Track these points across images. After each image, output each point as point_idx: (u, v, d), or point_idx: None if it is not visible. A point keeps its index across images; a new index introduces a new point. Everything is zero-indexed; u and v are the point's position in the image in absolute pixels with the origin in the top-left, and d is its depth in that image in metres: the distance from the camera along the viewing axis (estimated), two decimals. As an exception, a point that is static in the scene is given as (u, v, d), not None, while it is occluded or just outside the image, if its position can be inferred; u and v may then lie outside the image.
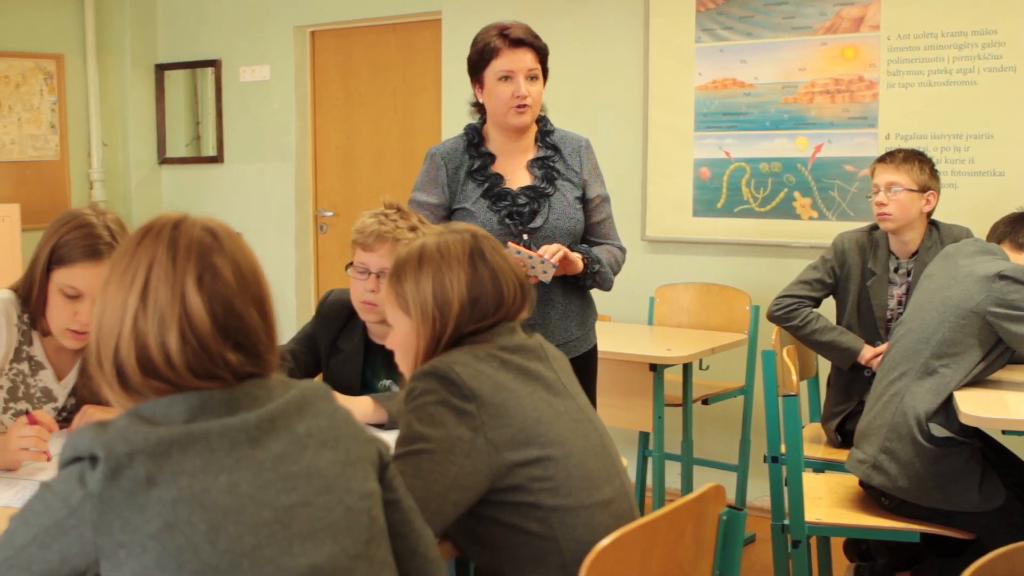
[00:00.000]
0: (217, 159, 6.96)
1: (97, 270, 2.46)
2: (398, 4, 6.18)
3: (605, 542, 1.79)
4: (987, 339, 3.13)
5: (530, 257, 3.01)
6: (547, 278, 3.05)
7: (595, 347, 3.45)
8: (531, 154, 3.31)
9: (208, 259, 1.53)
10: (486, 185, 3.25)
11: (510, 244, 3.03)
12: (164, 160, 7.17)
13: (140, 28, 7.03)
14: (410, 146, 6.26)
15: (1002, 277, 3.10)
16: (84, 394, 2.71)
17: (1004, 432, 3.06)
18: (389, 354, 2.28)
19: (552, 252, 3.06)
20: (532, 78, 3.22)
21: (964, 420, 2.90)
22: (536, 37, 3.25)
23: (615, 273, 3.36)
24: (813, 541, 3.70)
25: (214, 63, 6.90)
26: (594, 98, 5.43)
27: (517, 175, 3.28)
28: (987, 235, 3.57)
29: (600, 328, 3.50)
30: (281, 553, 1.45)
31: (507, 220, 3.21)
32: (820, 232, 4.84)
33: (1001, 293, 3.08)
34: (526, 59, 3.21)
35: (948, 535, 3.18)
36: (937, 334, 3.18)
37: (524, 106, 3.20)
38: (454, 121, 5.57)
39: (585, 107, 5.38)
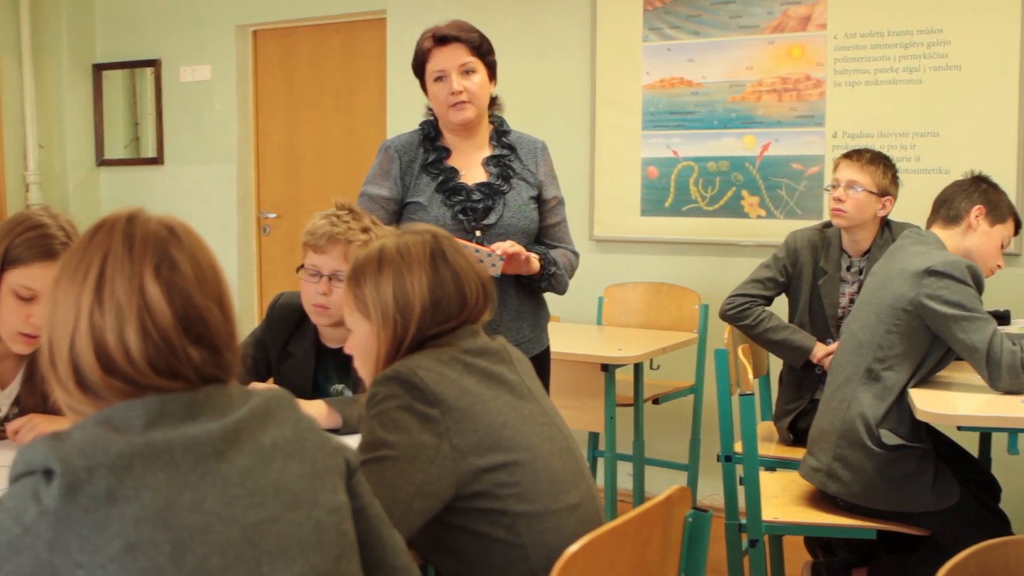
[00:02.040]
0: (157, 160, 6.85)
1: (53, 270, 2.41)
2: (342, 3, 6.12)
3: (574, 548, 1.76)
4: (925, 337, 3.12)
5: (477, 251, 2.98)
6: (496, 272, 3.02)
7: (548, 348, 3.42)
8: (486, 152, 3.28)
9: (166, 251, 1.47)
10: (440, 179, 3.21)
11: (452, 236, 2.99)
12: (102, 162, 7.04)
13: (77, 28, 6.89)
14: (354, 146, 6.20)
15: (931, 273, 3.08)
16: (28, 403, 2.63)
17: (959, 428, 3.06)
18: (341, 358, 2.24)
19: (505, 247, 3.03)
20: (467, 72, 3.19)
21: (920, 417, 2.90)
22: (469, 31, 3.22)
23: (570, 277, 3.34)
24: (766, 540, 3.70)
25: (153, 63, 6.79)
26: (541, 97, 5.41)
27: (472, 172, 3.25)
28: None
29: (550, 328, 3.48)
30: (249, 573, 1.39)
31: (460, 216, 3.17)
32: (768, 231, 4.85)
33: (932, 289, 3.07)
34: (457, 55, 3.18)
35: (904, 532, 3.19)
36: (876, 336, 3.17)
37: (461, 102, 3.17)
38: (399, 121, 5.53)
39: (533, 107, 5.35)
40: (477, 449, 1.93)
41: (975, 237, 3.29)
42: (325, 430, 2.21)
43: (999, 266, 3.37)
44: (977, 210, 3.29)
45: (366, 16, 6.09)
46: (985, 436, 3.98)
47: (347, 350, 2.16)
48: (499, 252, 3.00)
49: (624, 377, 4.39)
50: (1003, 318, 3.88)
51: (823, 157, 4.73)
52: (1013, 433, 2.88)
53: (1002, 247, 3.36)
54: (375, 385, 1.97)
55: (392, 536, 1.67)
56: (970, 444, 3.79)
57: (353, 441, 1.96)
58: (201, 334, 1.46)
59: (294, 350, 2.96)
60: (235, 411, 1.46)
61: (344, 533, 1.53)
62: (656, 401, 4.65)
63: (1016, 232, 3.42)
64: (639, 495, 4.50)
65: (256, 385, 2.55)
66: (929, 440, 3.18)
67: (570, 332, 4.67)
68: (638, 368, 4.37)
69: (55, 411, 2.38)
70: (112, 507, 1.32)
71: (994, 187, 3.36)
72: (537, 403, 2.11)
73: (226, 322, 1.51)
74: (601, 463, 4.81)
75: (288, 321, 2.98)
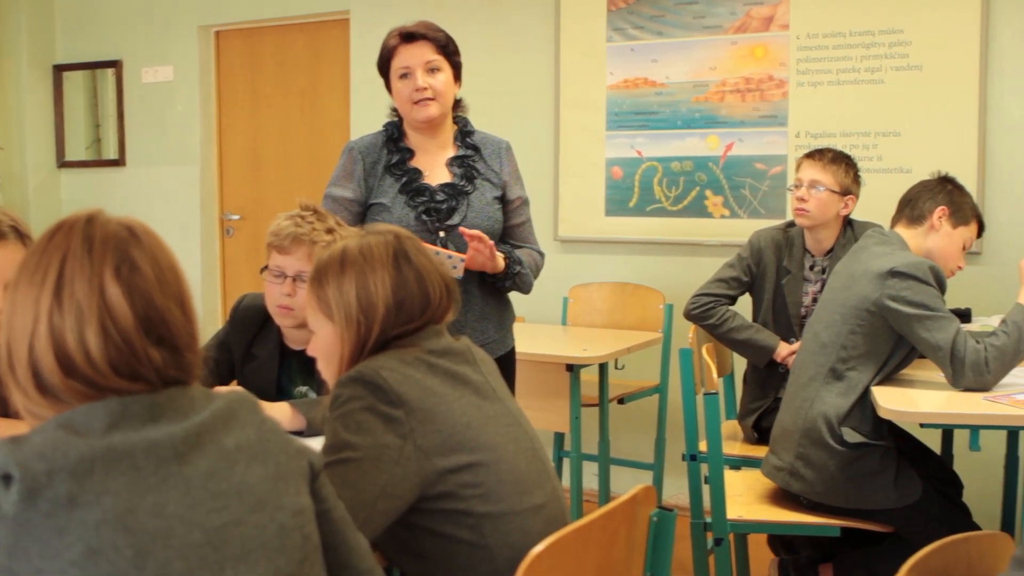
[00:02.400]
0: (119, 162, 6.80)
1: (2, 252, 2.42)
2: (305, 3, 6.10)
3: (539, 548, 1.75)
4: (889, 337, 3.15)
5: (437, 254, 2.98)
6: (458, 273, 3.02)
7: (513, 349, 3.42)
8: (450, 152, 3.28)
9: (126, 251, 1.46)
10: (404, 180, 3.21)
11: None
12: (63, 164, 6.98)
13: (37, 28, 6.83)
14: (318, 147, 6.18)
15: (895, 274, 3.10)
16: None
17: (922, 426, 3.09)
18: (305, 360, 2.23)
19: (475, 235, 3.02)
20: (432, 70, 3.19)
21: (883, 415, 2.92)
22: (434, 29, 3.24)
23: (535, 277, 3.34)
24: (731, 538, 3.71)
25: (115, 64, 6.73)
26: (506, 98, 5.40)
27: (436, 172, 3.25)
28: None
29: (515, 329, 3.48)
30: None
31: (424, 216, 3.17)
32: (732, 230, 4.87)
33: (895, 290, 3.09)
34: (423, 52, 3.19)
35: (868, 529, 3.21)
36: (840, 337, 3.19)
37: (425, 99, 3.17)
38: (363, 122, 5.52)
39: (497, 107, 5.34)
40: (441, 450, 1.93)
41: (937, 238, 3.31)
42: (289, 432, 2.20)
43: (960, 267, 3.40)
44: (940, 211, 3.31)
45: (330, 17, 6.07)
46: (947, 433, 4.01)
47: (310, 352, 2.15)
48: (471, 242, 3.00)
49: (589, 377, 4.40)
50: (964, 316, 3.91)
51: (786, 157, 4.75)
52: (975, 430, 2.90)
53: (964, 249, 3.38)
54: (338, 387, 1.96)
55: (356, 538, 1.67)
56: (933, 442, 3.81)
57: (318, 443, 1.95)
58: (162, 335, 1.45)
59: (258, 352, 2.94)
60: (197, 414, 1.45)
61: (308, 536, 1.53)
62: (621, 401, 4.65)
63: (979, 235, 3.45)
64: (605, 495, 4.51)
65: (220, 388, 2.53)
66: (891, 438, 3.20)
67: (535, 332, 4.67)
68: (603, 368, 4.38)
69: (14, 415, 2.35)
70: (72, 512, 1.31)
71: (959, 189, 3.39)
72: (502, 403, 2.11)
73: (187, 323, 1.50)
74: (567, 463, 4.81)
75: (252, 323, 2.96)
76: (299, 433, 2.61)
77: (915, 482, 3.16)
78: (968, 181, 4.16)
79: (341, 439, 1.90)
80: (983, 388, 2.97)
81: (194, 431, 1.43)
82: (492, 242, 3.09)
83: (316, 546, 1.55)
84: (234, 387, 2.67)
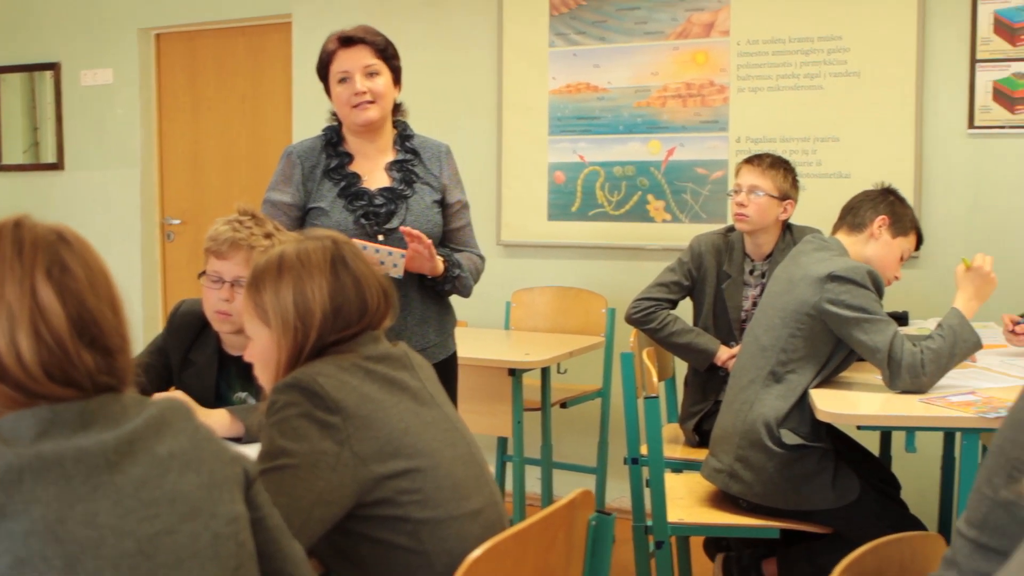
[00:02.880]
0: (57, 166, 6.72)
1: None
2: (247, 6, 6.06)
3: (476, 553, 1.76)
4: (828, 340, 3.18)
5: (377, 251, 2.97)
6: (398, 272, 3.01)
7: (455, 354, 3.42)
8: (389, 156, 3.28)
9: (56, 254, 1.44)
10: (342, 184, 3.20)
11: (354, 241, 2.98)
12: (0, 167, 6.87)
13: (-27, 30, 6.74)
14: (260, 152, 6.14)
15: (833, 278, 3.13)
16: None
17: (859, 428, 3.12)
18: (244, 366, 2.20)
19: (414, 234, 3.02)
20: (371, 74, 3.19)
21: (820, 417, 2.94)
22: (373, 33, 3.24)
23: (475, 281, 3.34)
24: (673, 541, 3.73)
25: (53, 66, 6.65)
26: (448, 102, 5.40)
27: (375, 176, 3.24)
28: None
29: (457, 333, 3.48)
30: None
31: (363, 220, 3.16)
32: (674, 234, 4.90)
33: (833, 294, 3.12)
34: (361, 56, 3.19)
35: (807, 530, 3.24)
36: (780, 340, 3.22)
37: (364, 102, 3.17)
38: (305, 126, 5.49)
39: (439, 111, 5.34)
40: (378, 456, 1.92)
41: (876, 246, 3.35)
42: (228, 439, 2.17)
43: (897, 277, 3.44)
44: (881, 220, 3.35)
45: (271, 20, 6.04)
46: (886, 436, 4.06)
47: (247, 357, 2.13)
48: (409, 240, 2.99)
49: (532, 381, 4.40)
50: (901, 319, 3.97)
51: (727, 162, 4.79)
52: (910, 432, 2.94)
53: (902, 259, 3.43)
54: (275, 393, 1.94)
55: (292, 546, 1.66)
56: (872, 444, 3.86)
57: (256, 450, 1.94)
58: (95, 337, 1.43)
59: (196, 358, 2.92)
60: (129, 421, 1.43)
61: (242, 544, 1.51)
62: (564, 405, 4.66)
63: (917, 247, 3.50)
64: (547, 499, 4.51)
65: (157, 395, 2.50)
66: (829, 440, 3.23)
67: (478, 337, 4.67)
68: (545, 372, 4.38)
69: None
70: (1, 522, 1.29)
71: (901, 200, 3.44)
72: (439, 409, 2.10)
73: (119, 326, 1.48)
74: (510, 468, 4.81)
75: (190, 329, 2.93)
76: (238, 439, 2.59)
77: (853, 482, 3.19)
78: (905, 186, 4.22)
79: (277, 446, 1.88)
80: (919, 390, 3.00)
81: (126, 439, 1.41)
82: (430, 241, 3.08)
83: (251, 554, 1.54)
84: (170, 394, 2.65)
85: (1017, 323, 3.55)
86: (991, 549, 1.47)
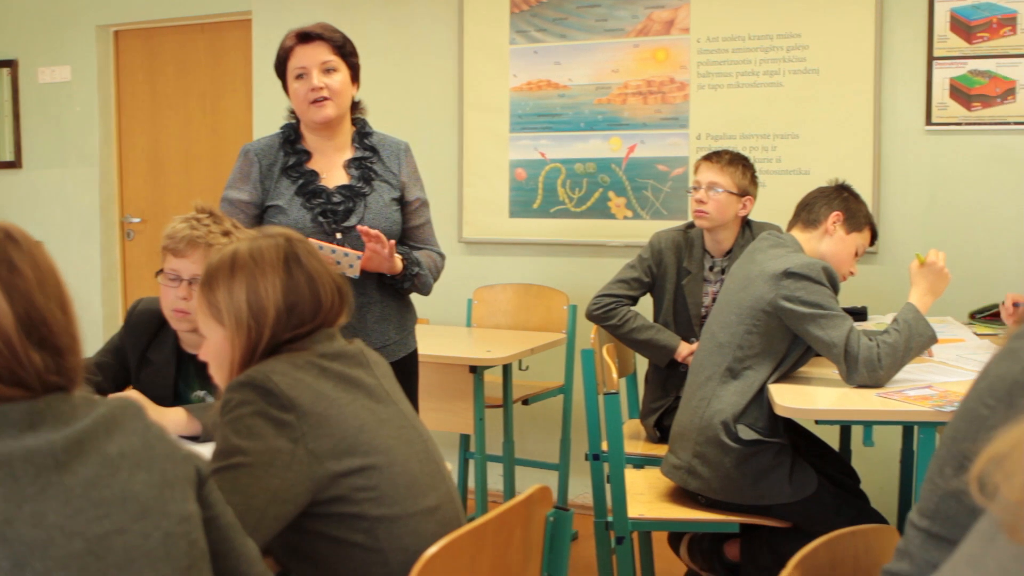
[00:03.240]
0: (15, 164, 6.65)
1: None
2: (206, 4, 6.02)
3: (432, 550, 1.75)
4: (784, 337, 3.20)
5: (333, 251, 2.96)
6: (354, 273, 3.00)
7: (415, 351, 3.41)
8: (348, 154, 3.27)
9: (4, 253, 1.42)
10: (300, 182, 3.19)
11: (310, 241, 2.97)
12: (-43, 165, 6.82)
13: (-72, 27, 6.66)
14: (220, 149, 6.11)
15: (789, 275, 3.15)
16: None
17: (817, 422, 3.14)
18: (202, 364, 2.19)
19: (372, 234, 3.01)
20: (328, 71, 3.18)
21: (779, 412, 2.96)
22: (331, 30, 3.24)
23: (434, 279, 3.34)
24: (635, 536, 3.74)
25: (10, 63, 6.58)
26: (409, 100, 5.39)
27: (333, 174, 3.23)
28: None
29: (419, 331, 3.47)
30: None
31: (320, 218, 3.16)
32: (635, 231, 4.91)
33: (789, 290, 3.14)
34: (319, 53, 3.19)
35: (766, 524, 3.25)
36: (737, 337, 3.24)
37: (321, 98, 3.16)
38: (265, 123, 5.47)
39: (400, 109, 5.33)
40: (333, 454, 1.91)
41: (831, 242, 3.38)
42: (185, 438, 2.16)
43: (852, 272, 3.47)
44: (835, 216, 3.37)
45: (231, 17, 6.00)
46: (845, 430, 4.09)
47: (202, 356, 2.12)
48: (368, 242, 2.99)
49: (494, 379, 4.41)
50: (860, 314, 3.99)
51: (688, 158, 4.81)
52: (868, 426, 2.96)
53: (856, 255, 3.45)
54: (228, 391, 1.93)
55: (246, 545, 1.65)
56: (832, 440, 3.88)
57: (211, 449, 1.93)
58: (43, 336, 1.42)
59: (154, 357, 2.90)
60: (79, 420, 1.42)
61: (194, 543, 1.50)
62: (526, 402, 4.66)
63: (871, 242, 3.52)
64: (509, 496, 4.51)
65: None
66: (787, 435, 3.25)
67: (439, 334, 4.67)
68: (507, 369, 4.39)
69: None
70: None
71: (855, 197, 3.46)
72: (395, 406, 2.10)
73: (68, 325, 1.47)
74: (472, 465, 4.81)
75: (147, 327, 2.91)
76: (195, 438, 2.58)
77: (810, 476, 3.21)
78: (864, 182, 4.26)
79: (231, 444, 1.87)
80: (876, 384, 3.03)
81: (75, 438, 1.39)
82: (392, 242, 3.08)
83: (203, 553, 1.53)
84: (124, 393, 2.63)
85: (1017, 305, 3.58)
86: (943, 539, 1.48)
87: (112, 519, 1.39)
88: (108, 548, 1.37)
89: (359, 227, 3.05)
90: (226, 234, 2.75)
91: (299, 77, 3.19)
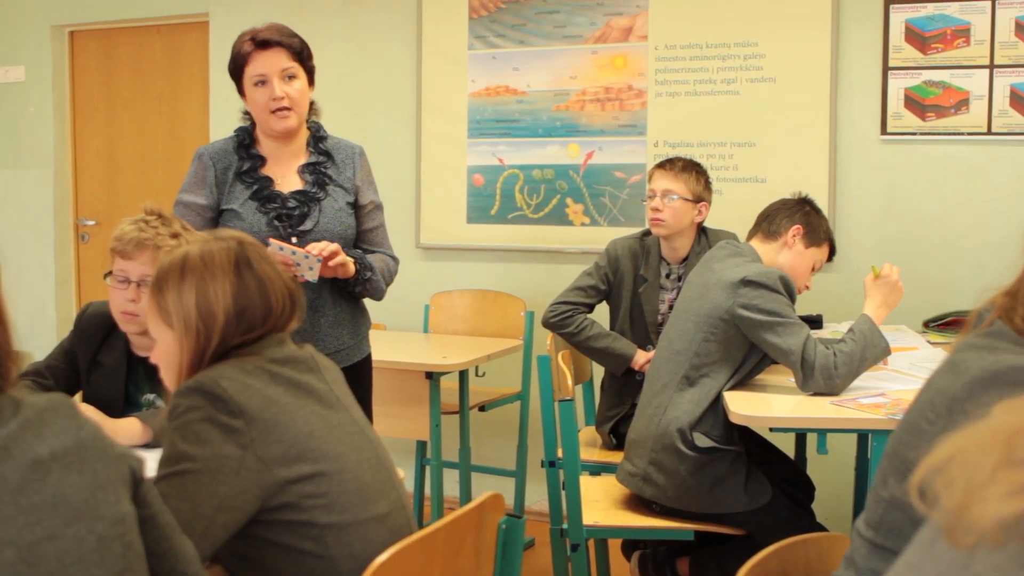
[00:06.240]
0: (-33, 165, 6.57)
1: None
2: (163, 5, 5.97)
3: (383, 557, 1.74)
4: (741, 345, 3.21)
5: (293, 253, 2.93)
6: (313, 276, 2.97)
7: (369, 356, 3.39)
8: (302, 159, 3.24)
9: None
10: (255, 187, 3.16)
11: (272, 241, 2.95)
12: (-92, 166, 6.71)
13: None
14: (176, 151, 6.05)
15: (746, 283, 3.16)
16: None
17: (772, 430, 3.15)
18: (153, 367, 2.17)
19: (321, 248, 2.99)
20: (289, 78, 3.15)
21: (734, 420, 2.97)
22: (290, 35, 3.19)
23: (388, 283, 3.32)
24: (591, 543, 3.73)
25: (-37, 63, 6.51)
26: (367, 104, 5.37)
27: (288, 179, 3.21)
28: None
29: (375, 336, 3.45)
30: None
31: (276, 222, 3.13)
32: (592, 238, 4.91)
33: (746, 299, 3.15)
34: (278, 60, 3.14)
35: (720, 532, 3.26)
36: (694, 344, 3.24)
37: (283, 109, 3.13)
38: (222, 125, 5.42)
39: (358, 113, 5.31)
40: (283, 460, 1.89)
41: (789, 255, 3.39)
42: (139, 445, 2.12)
43: (807, 286, 3.49)
44: (795, 229, 3.39)
45: (188, 19, 5.95)
46: (800, 438, 4.10)
47: (153, 360, 2.10)
48: (315, 252, 2.96)
49: (450, 385, 4.39)
50: (815, 322, 4.01)
51: (645, 166, 4.81)
52: (822, 434, 2.97)
53: (814, 269, 3.48)
54: (177, 397, 1.90)
55: (183, 544, 1.62)
56: (787, 448, 3.89)
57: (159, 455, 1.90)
58: None
59: (104, 360, 2.87)
60: (5, 424, 1.38)
61: (129, 545, 1.47)
62: (482, 408, 4.65)
63: (829, 258, 3.54)
64: (466, 503, 4.49)
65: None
66: (742, 443, 3.26)
67: (395, 340, 4.64)
68: (463, 375, 4.37)
69: None
70: None
71: (817, 212, 3.49)
72: (346, 412, 2.08)
73: (1, 329, 1.43)
74: (429, 471, 4.79)
75: (97, 330, 2.88)
76: (148, 445, 2.56)
77: (764, 486, 3.22)
78: (819, 190, 4.28)
79: (179, 450, 1.84)
80: (832, 392, 3.04)
81: (1, 443, 1.36)
82: (343, 256, 3.05)
83: (139, 555, 1.50)
84: (54, 394, 2.59)
85: None
86: (887, 549, 1.48)
87: (43, 525, 1.35)
88: (40, 555, 1.34)
89: (318, 251, 3.00)
90: (175, 236, 2.72)
91: (258, 84, 3.14)
